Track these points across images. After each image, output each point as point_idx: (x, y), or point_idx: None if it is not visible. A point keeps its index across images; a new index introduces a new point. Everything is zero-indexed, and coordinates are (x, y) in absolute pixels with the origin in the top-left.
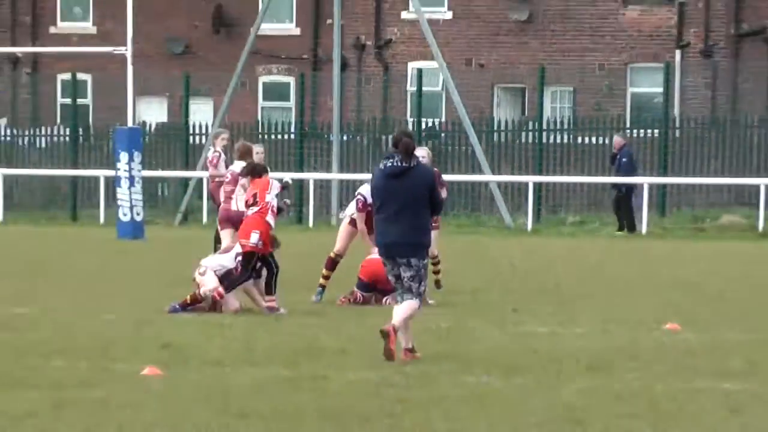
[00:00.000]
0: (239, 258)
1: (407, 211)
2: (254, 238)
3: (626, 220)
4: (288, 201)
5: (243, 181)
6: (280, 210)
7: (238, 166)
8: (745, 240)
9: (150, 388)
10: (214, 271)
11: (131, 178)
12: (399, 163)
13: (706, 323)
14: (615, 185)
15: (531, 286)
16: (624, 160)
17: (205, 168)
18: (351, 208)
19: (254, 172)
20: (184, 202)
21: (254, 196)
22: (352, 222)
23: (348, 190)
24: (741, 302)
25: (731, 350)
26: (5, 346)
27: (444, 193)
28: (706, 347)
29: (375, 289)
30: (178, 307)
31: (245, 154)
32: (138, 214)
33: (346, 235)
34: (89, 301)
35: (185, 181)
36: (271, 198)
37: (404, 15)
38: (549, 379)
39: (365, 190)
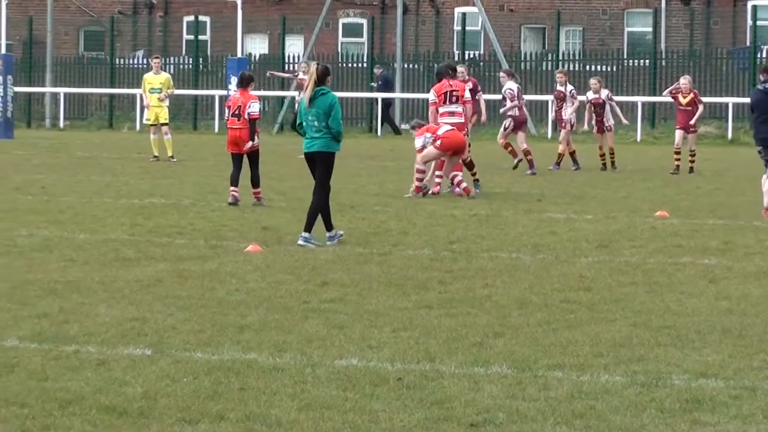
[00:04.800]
0: None
1: None
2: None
3: (392, 125)
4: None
5: None
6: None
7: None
8: (717, 146)
9: (252, 262)
10: None
11: None
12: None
13: (689, 211)
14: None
15: (552, 182)
16: (380, 82)
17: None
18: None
19: None
20: (281, 116)
21: None
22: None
23: (408, 106)
24: (715, 195)
25: (709, 233)
26: (140, 228)
27: None
28: (689, 230)
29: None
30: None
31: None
32: None
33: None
34: (207, 193)
35: (281, 100)
36: None
37: None
38: (566, 255)
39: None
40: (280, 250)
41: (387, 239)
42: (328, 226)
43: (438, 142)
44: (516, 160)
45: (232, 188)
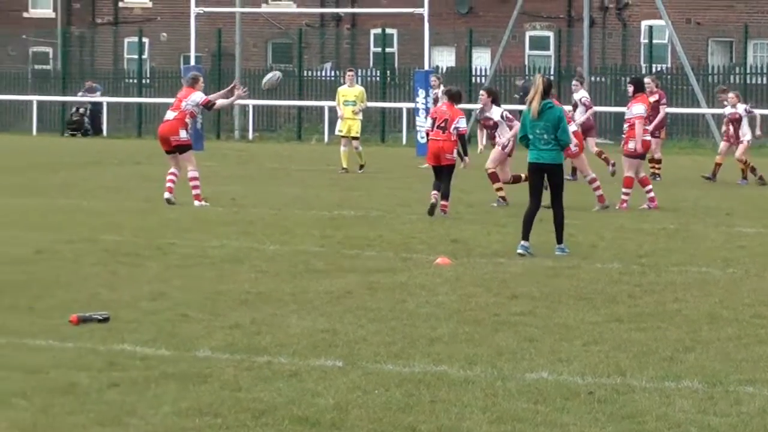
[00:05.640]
0: None
1: None
2: None
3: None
4: None
5: None
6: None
7: None
8: None
9: (441, 275)
10: None
11: (427, 110)
12: None
13: None
14: None
15: (741, 196)
16: (521, 94)
17: None
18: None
19: None
20: (468, 127)
21: None
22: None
23: (596, 119)
24: None
25: None
26: (330, 239)
27: None
28: None
29: None
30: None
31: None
32: None
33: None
34: (396, 205)
35: (468, 112)
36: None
37: None
38: (756, 269)
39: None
40: (469, 262)
41: (576, 252)
42: (526, 235)
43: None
44: (610, 166)
45: (434, 192)
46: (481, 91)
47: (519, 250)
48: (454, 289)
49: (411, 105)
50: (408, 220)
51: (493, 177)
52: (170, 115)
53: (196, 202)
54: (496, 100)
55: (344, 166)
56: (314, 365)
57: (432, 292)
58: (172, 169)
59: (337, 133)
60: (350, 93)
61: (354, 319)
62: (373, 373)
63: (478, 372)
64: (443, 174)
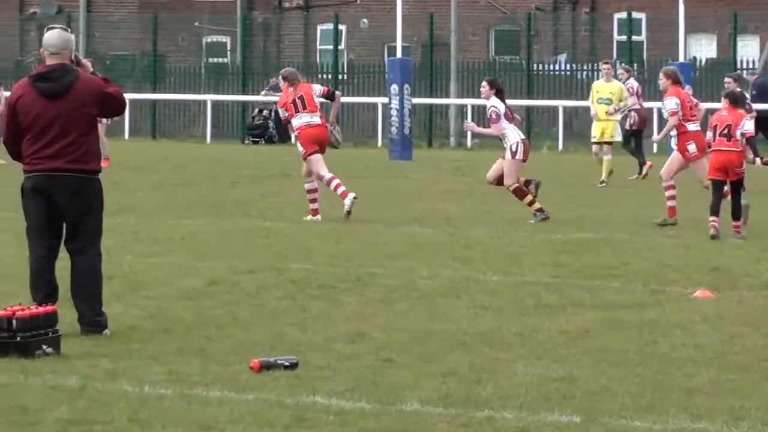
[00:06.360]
0: None
1: None
2: None
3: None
4: None
5: None
6: None
7: None
8: None
9: (700, 310)
10: None
11: None
12: None
13: None
14: None
15: None
16: (754, 92)
17: None
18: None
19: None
20: None
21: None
22: None
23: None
24: None
25: None
26: (564, 268)
27: None
28: None
29: None
30: None
31: None
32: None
33: None
34: (645, 226)
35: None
36: None
37: None
38: None
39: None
40: (734, 296)
41: None
42: None
43: None
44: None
45: (711, 219)
46: (483, 82)
47: None
48: (716, 328)
49: (659, 104)
50: (659, 244)
51: (518, 191)
52: (315, 118)
53: (315, 217)
54: (500, 93)
55: (602, 177)
56: (546, 421)
57: (689, 332)
58: (312, 184)
59: (592, 139)
60: (605, 89)
61: (594, 365)
62: (617, 430)
63: (745, 429)
64: (732, 188)
